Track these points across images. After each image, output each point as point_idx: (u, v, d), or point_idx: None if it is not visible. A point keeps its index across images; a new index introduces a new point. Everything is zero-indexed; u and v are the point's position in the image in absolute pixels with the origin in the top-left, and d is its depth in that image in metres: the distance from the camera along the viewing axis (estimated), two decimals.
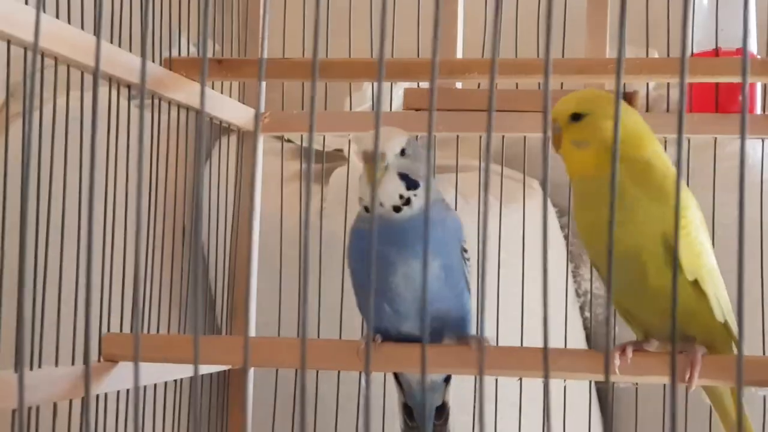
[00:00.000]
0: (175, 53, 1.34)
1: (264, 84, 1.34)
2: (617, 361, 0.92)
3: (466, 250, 0.98)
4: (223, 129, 1.43)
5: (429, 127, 0.49)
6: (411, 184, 0.92)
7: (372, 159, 0.90)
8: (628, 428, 1.43)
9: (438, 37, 0.52)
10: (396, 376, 1.06)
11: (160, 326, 1.27)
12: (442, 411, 1.07)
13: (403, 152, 0.92)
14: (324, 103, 1.38)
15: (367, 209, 0.94)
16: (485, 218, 0.52)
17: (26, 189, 0.57)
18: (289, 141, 1.53)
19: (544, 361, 0.53)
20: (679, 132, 0.59)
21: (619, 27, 0.58)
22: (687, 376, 0.90)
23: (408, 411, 1.07)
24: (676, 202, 0.51)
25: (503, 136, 1.28)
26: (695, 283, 0.92)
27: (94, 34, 0.98)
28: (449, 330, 0.98)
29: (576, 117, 0.93)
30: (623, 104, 0.95)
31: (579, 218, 0.96)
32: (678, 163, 0.60)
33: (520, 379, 1.20)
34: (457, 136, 1.27)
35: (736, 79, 1.14)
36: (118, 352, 0.95)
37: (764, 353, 1.24)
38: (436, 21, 0.53)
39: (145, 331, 1.22)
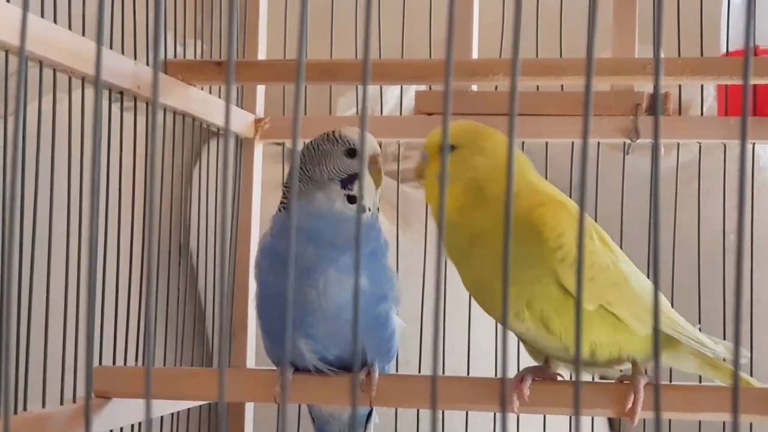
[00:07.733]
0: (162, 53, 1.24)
1: (263, 88, 1.25)
2: (516, 401, 0.85)
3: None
4: (211, 132, 1.34)
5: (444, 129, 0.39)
6: None
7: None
8: None
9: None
10: (310, 410, 1.00)
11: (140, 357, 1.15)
12: None
13: None
14: (329, 107, 1.30)
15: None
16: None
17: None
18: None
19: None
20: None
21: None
22: (628, 407, 0.82)
23: None
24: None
25: (523, 142, 1.19)
26: (602, 307, 0.85)
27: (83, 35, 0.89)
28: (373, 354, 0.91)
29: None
30: (494, 132, 0.87)
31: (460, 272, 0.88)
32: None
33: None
34: None
35: None
36: (112, 388, 0.87)
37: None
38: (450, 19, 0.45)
39: (131, 363, 1.12)
